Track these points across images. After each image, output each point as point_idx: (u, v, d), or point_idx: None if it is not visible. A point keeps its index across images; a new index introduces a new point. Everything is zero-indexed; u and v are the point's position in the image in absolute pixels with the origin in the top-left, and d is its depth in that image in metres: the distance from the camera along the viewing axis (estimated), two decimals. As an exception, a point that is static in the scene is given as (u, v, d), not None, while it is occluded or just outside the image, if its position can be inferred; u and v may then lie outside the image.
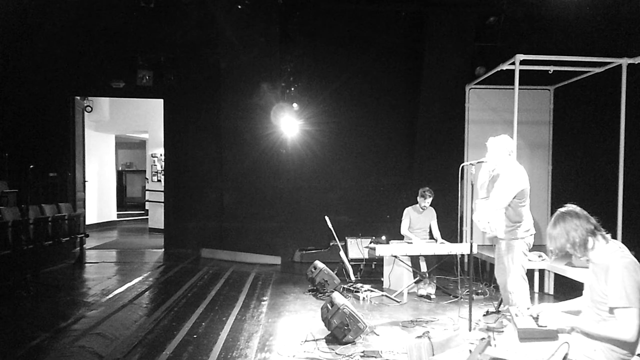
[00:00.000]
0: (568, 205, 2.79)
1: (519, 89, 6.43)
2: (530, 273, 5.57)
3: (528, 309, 2.97)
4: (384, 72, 9.44)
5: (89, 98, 11.88)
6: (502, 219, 4.81)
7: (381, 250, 6.14)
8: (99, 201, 14.26)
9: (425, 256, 6.58)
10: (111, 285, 6.49)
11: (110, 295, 5.97)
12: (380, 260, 7.34)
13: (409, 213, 7.02)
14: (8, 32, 8.79)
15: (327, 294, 6.07)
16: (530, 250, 4.94)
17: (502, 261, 4.95)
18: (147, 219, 14.32)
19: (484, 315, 5.19)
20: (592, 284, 2.74)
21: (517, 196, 4.69)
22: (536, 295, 6.39)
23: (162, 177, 11.78)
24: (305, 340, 4.42)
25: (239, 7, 7.75)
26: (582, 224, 2.65)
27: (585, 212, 2.73)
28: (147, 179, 14.85)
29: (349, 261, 8.20)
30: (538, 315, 2.85)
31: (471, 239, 4.68)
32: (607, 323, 2.61)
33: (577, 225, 2.64)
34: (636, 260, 2.60)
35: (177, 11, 8.77)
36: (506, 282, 4.87)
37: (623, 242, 6.85)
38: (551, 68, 6.90)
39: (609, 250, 2.65)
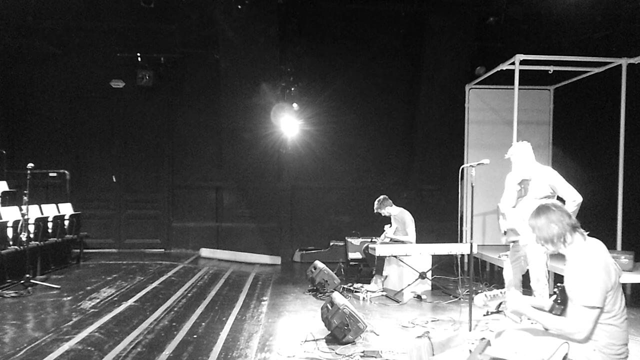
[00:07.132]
0: (549, 200, 2.80)
1: (519, 89, 6.43)
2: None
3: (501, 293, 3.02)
4: (384, 72, 9.45)
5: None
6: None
7: (381, 250, 6.14)
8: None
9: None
10: (111, 285, 6.49)
11: (110, 296, 5.97)
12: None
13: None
14: (8, 32, 8.79)
15: (327, 294, 6.07)
16: None
17: (519, 261, 4.89)
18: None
19: (484, 315, 5.20)
20: (566, 280, 2.73)
21: (548, 195, 4.66)
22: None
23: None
24: (305, 340, 4.42)
25: (239, 7, 7.75)
26: (564, 218, 2.68)
27: (566, 209, 2.78)
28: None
29: (349, 261, 8.23)
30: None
31: (471, 239, 4.68)
32: (562, 317, 2.66)
33: (559, 218, 2.68)
34: (609, 262, 2.60)
35: (177, 11, 8.77)
36: (514, 282, 4.87)
37: (623, 241, 6.83)
38: (551, 68, 6.90)
39: (585, 248, 2.66)
